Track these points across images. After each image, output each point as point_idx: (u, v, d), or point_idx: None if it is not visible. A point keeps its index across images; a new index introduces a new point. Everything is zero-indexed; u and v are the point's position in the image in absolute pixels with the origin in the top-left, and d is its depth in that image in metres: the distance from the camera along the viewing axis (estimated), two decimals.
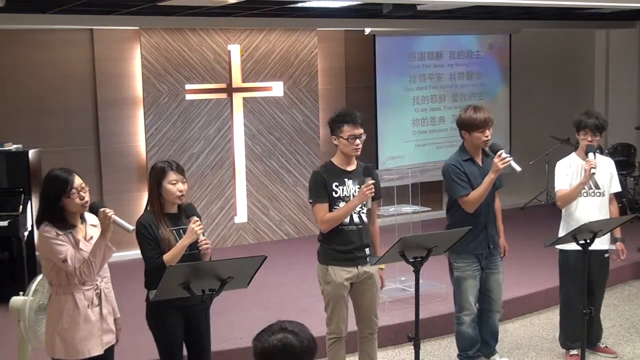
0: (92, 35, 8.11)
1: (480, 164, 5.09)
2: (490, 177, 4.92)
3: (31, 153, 7.05)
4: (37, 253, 3.94)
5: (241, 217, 8.98)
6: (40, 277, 4.10)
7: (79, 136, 8.16)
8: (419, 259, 4.27)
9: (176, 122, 8.53)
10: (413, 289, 4.89)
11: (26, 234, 6.79)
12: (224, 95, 8.79)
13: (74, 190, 3.82)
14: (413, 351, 4.45)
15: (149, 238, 4.01)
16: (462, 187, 5.00)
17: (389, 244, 4.28)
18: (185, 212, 4.14)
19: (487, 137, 4.99)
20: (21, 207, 6.76)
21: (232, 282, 3.65)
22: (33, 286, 4.07)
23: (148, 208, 4.14)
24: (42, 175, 7.18)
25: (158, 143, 8.45)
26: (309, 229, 9.33)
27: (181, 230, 4.09)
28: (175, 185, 4.06)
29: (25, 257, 6.74)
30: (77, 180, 3.85)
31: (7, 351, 5.28)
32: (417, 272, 4.31)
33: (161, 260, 3.97)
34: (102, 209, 3.83)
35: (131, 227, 3.88)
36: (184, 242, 4.02)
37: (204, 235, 4.08)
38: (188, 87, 8.56)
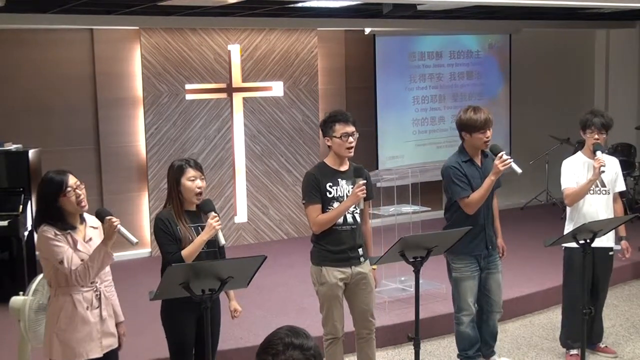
0: (92, 35, 8.11)
1: (479, 165, 5.07)
2: (490, 179, 4.88)
3: (31, 153, 7.05)
4: (37, 253, 3.91)
5: (241, 216, 8.98)
6: (40, 277, 4.10)
7: (79, 136, 8.15)
8: (419, 259, 4.27)
9: (176, 122, 8.53)
10: (413, 289, 4.89)
11: (26, 233, 6.79)
12: (224, 95, 8.78)
13: (69, 189, 3.82)
14: (413, 351, 4.45)
15: (167, 233, 4.03)
16: (463, 189, 4.95)
17: (389, 244, 4.28)
18: (203, 208, 4.14)
19: (487, 137, 4.94)
20: (21, 207, 6.76)
21: (232, 282, 3.65)
22: (33, 286, 4.07)
23: (168, 206, 4.15)
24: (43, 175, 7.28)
25: (158, 143, 8.44)
26: (309, 229, 9.28)
27: (199, 228, 4.11)
28: (194, 182, 4.11)
29: (25, 257, 6.74)
30: (72, 179, 3.86)
31: (7, 351, 5.28)
32: (417, 272, 4.31)
33: (180, 255, 3.98)
34: (108, 217, 3.79)
35: (135, 240, 3.82)
36: (203, 237, 4.04)
37: (222, 232, 4.09)
38: (188, 87, 8.56)
